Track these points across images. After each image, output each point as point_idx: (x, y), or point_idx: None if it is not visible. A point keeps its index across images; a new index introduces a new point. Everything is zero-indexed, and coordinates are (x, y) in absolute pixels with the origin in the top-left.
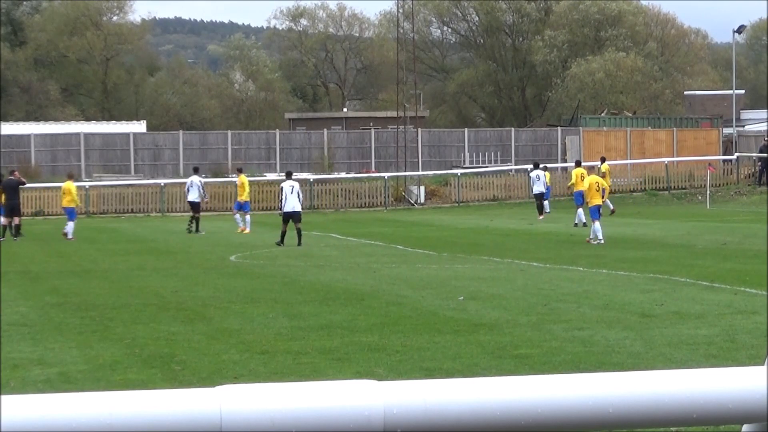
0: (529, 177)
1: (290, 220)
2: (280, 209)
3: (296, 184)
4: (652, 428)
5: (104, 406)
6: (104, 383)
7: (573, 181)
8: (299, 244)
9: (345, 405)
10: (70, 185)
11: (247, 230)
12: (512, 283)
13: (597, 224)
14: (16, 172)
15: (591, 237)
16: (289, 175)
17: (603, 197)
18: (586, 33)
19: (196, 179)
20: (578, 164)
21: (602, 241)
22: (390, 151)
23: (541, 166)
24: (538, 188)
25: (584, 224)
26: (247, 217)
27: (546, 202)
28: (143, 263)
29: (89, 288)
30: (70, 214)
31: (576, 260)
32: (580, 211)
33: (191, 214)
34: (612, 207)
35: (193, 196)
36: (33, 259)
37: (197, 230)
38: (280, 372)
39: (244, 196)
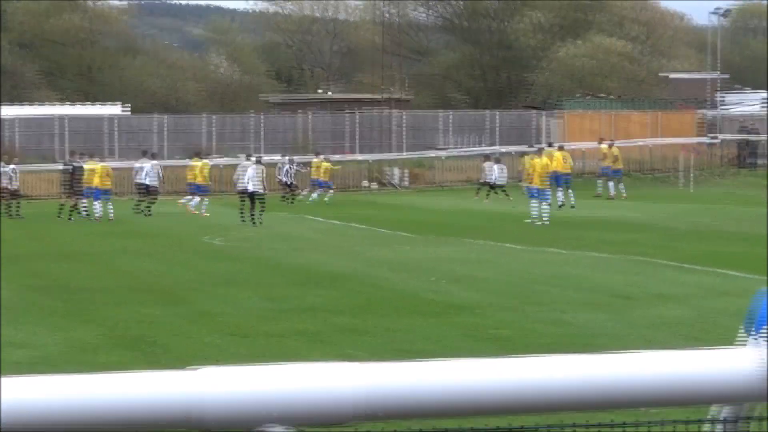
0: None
1: (254, 200)
2: (239, 189)
3: (260, 168)
4: (631, 409)
5: (86, 388)
6: (86, 366)
7: (555, 164)
8: (259, 217)
9: (324, 387)
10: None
11: (193, 212)
12: (493, 266)
13: (545, 206)
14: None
15: (534, 217)
16: (258, 161)
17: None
18: (571, 16)
19: (148, 163)
20: (561, 148)
21: (547, 222)
22: (372, 134)
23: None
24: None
25: (572, 206)
26: (196, 199)
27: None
28: (125, 246)
29: (70, 271)
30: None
31: (556, 242)
32: (559, 193)
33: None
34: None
35: (149, 179)
36: (14, 242)
37: (147, 212)
38: (261, 354)
39: (200, 179)
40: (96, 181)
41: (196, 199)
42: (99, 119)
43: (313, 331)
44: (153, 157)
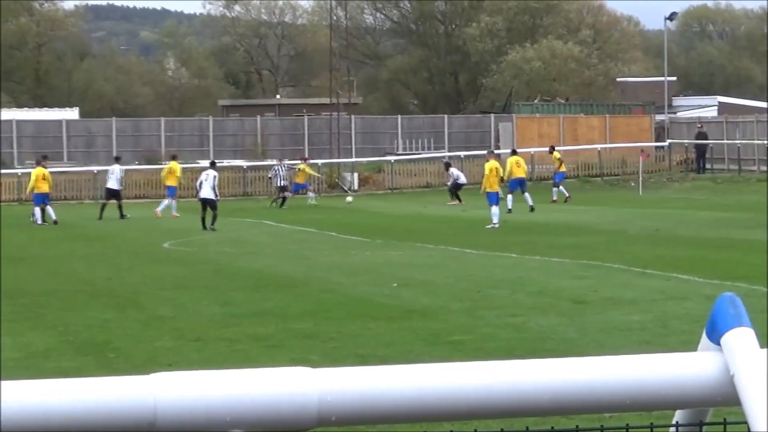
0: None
1: (206, 207)
2: (196, 195)
3: (212, 174)
4: (585, 414)
5: (36, 394)
6: (37, 371)
7: (509, 168)
8: (210, 225)
9: (279, 392)
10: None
11: (160, 215)
12: (445, 270)
13: (495, 209)
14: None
15: (495, 223)
16: (212, 165)
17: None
18: (522, 20)
19: (117, 167)
20: (514, 152)
21: (497, 226)
22: (323, 138)
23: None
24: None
25: (531, 208)
26: (165, 201)
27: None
28: (75, 250)
29: (20, 275)
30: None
31: (509, 247)
32: (527, 195)
33: (112, 201)
34: (567, 194)
35: (112, 183)
36: None
37: (122, 216)
38: (214, 359)
39: (170, 181)
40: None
41: (165, 202)
42: (51, 123)
43: (267, 335)
44: (117, 160)
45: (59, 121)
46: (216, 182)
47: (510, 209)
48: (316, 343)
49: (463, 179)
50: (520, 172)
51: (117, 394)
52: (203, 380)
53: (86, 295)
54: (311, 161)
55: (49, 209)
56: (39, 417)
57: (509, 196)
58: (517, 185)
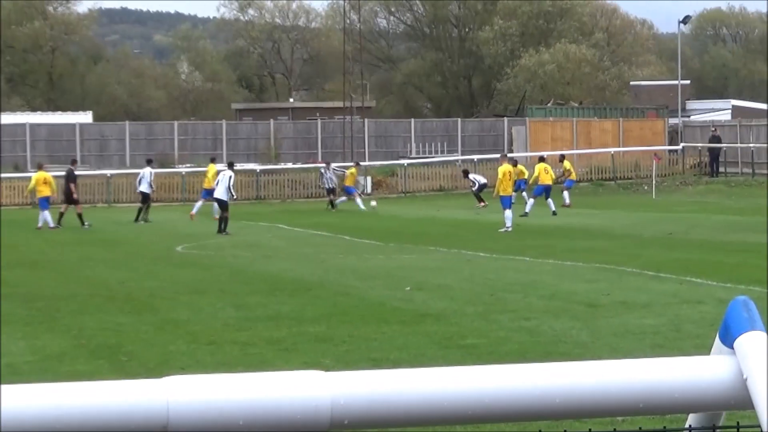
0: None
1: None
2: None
3: (227, 175)
4: (598, 418)
5: (50, 397)
6: (51, 375)
7: (536, 174)
8: (223, 230)
9: (292, 396)
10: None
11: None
12: (459, 273)
13: (508, 212)
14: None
15: (508, 226)
16: (230, 166)
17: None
18: (535, 24)
19: (147, 171)
20: (542, 159)
21: (510, 229)
22: (336, 141)
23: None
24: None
25: (554, 212)
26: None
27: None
28: (90, 254)
29: (36, 279)
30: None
31: (523, 250)
32: (550, 201)
33: (140, 204)
34: (568, 201)
35: (143, 187)
36: None
37: (146, 220)
38: (228, 363)
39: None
40: (39, 190)
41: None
42: (64, 126)
43: (281, 338)
44: (149, 163)
45: (73, 125)
46: (231, 183)
47: (527, 213)
48: (329, 347)
49: (483, 180)
50: (548, 179)
51: (130, 398)
52: (216, 383)
53: (101, 298)
54: (362, 164)
55: (46, 213)
56: (52, 420)
57: (530, 200)
58: (542, 191)
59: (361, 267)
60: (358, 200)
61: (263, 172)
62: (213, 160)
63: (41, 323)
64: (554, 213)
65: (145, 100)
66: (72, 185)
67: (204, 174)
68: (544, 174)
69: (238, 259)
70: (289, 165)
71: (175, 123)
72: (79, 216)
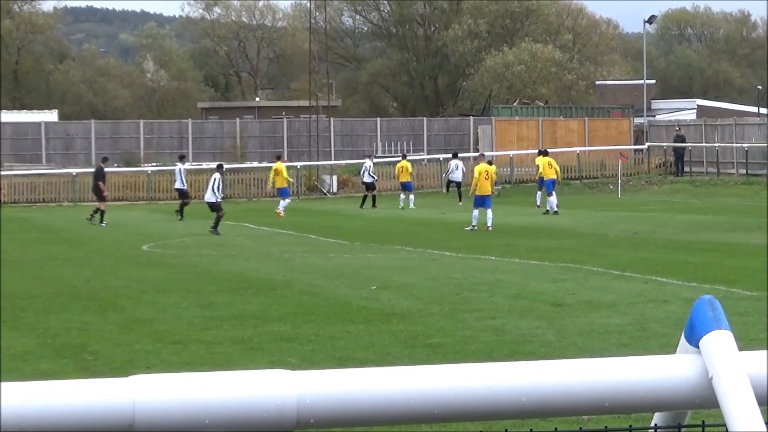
0: (449, 165)
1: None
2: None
3: (213, 176)
4: (564, 417)
5: (15, 396)
6: (16, 374)
7: (541, 170)
8: (212, 227)
9: (258, 395)
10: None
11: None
12: (425, 273)
13: (476, 212)
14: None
15: (473, 225)
16: (218, 168)
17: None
18: (503, 24)
19: (179, 166)
20: (545, 153)
21: (475, 228)
22: (302, 140)
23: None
24: (456, 177)
25: (555, 212)
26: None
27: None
28: (55, 253)
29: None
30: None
31: (488, 249)
32: (551, 198)
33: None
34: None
35: (179, 183)
36: None
37: (181, 216)
38: (193, 362)
39: (279, 182)
40: None
41: (285, 202)
42: (30, 125)
43: (246, 337)
44: (181, 159)
45: (38, 124)
46: (215, 184)
47: (557, 210)
48: (295, 346)
49: (460, 177)
50: (552, 174)
51: (96, 397)
52: (182, 382)
53: (66, 297)
54: (410, 157)
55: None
56: (17, 419)
57: (551, 198)
58: (552, 186)
59: (326, 266)
60: (411, 197)
61: (229, 171)
62: (279, 158)
63: (5, 322)
64: (556, 212)
65: (111, 99)
66: (101, 183)
67: (270, 171)
68: (548, 168)
69: (203, 258)
70: (255, 164)
71: (141, 122)
72: (102, 213)
